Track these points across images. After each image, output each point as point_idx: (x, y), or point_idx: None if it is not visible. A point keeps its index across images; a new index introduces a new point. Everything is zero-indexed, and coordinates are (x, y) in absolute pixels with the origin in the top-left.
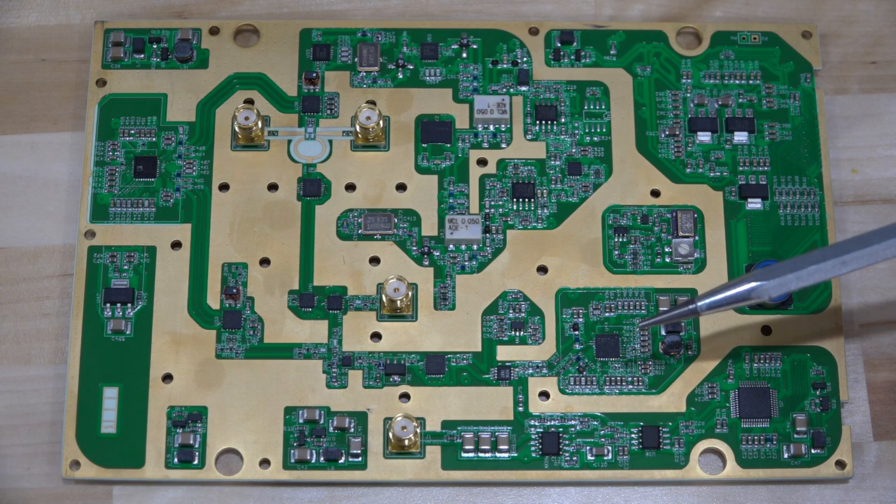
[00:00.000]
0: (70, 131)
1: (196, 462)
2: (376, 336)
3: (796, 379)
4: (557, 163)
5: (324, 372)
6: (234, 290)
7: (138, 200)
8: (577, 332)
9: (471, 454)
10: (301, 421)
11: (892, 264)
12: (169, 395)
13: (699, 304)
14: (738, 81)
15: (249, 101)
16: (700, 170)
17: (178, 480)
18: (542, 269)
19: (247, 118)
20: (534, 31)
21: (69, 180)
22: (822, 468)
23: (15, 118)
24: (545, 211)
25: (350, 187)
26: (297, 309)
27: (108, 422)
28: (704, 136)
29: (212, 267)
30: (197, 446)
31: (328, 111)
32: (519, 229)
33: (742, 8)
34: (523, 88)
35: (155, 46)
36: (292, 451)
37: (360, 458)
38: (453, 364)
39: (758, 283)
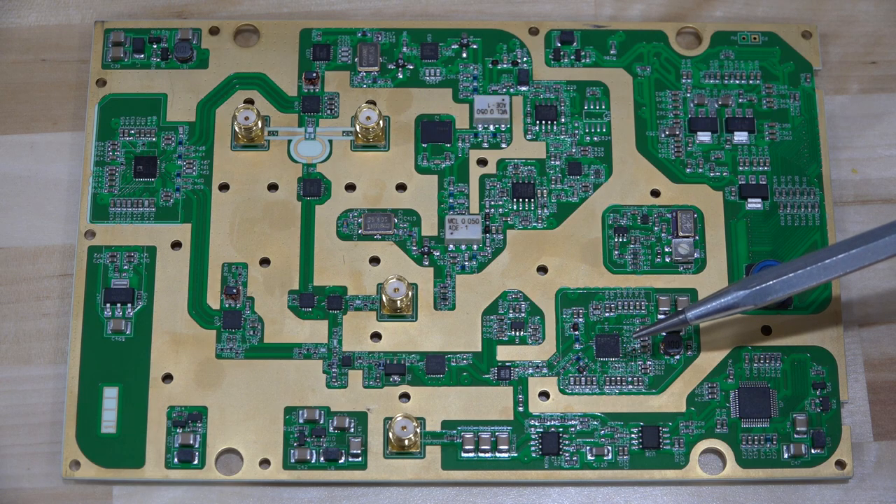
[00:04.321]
0: (70, 131)
1: (196, 462)
2: (376, 336)
3: (796, 379)
4: (557, 163)
5: (324, 372)
6: (234, 290)
7: (138, 200)
8: (577, 332)
9: (471, 454)
10: (301, 421)
11: (891, 264)
12: (169, 395)
13: (688, 314)
14: (738, 81)
15: (249, 101)
16: (700, 170)
17: (178, 480)
18: (542, 269)
19: (247, 118)
20: (534, 31)
21: (69, 180)
22: (822, 468)
23: (15, 118)
24: (545, 211)
25: (350, 187)
26: (297, 309)
27: (108, 422)
28: (704, 136)
29: (212, 267)
30: (197, 446)
31: (328, 111)
32: (519, 229)
33: (742, 8)
34: (523, 88)
35: (155, 46)
36: (292, 451)
37: (360, 458)
38: (453, 364)
39: (742, 293)
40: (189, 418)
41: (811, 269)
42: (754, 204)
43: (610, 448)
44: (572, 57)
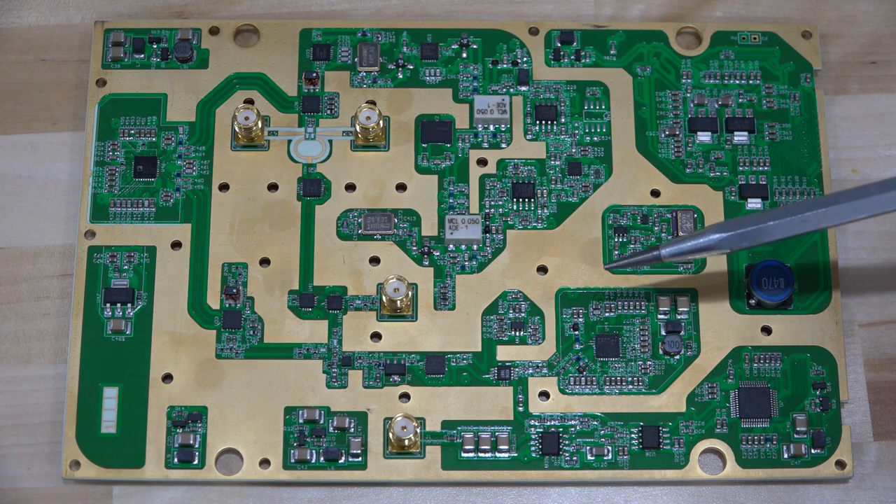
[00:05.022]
0: (70, 131)
1: (196, 462)
2: (376, 336)
3: (796, 379)
4: (557, 163)
5: (324, 372)
6: (234, 290)
7: (138, 200)
8: (577, 332)
9: (471, 454)
10: (301, 421)
11: (891, 264)
12: (169, 395)
13: (663, 251)
14: (738, 81)
15: (249, 101)
16: (700, 170)
17: (178, 480)
18: (542, 269)
19: (247, 118)
20: (534, 31)
21: (69, 180)
22: (822, 468)
23: (15, 118)
24: (545, 211)
25: (350, 187)
26: (297, 309)
27: (108, 422)
28: (704, 136)
29: (212, 267)
30: (197, 446)
31: (328, 111)
32: (519, 229)
33: (742, 8)
34: (523, 88)
35: (155, 46)
36: (292, 451)
37: (360, 458)
38: (453, 364)
39: (718, 236)
40: (189, 418)
41: (790, 220)
42: (754, 204)
43: (610, 448)
44: (572, 57)
